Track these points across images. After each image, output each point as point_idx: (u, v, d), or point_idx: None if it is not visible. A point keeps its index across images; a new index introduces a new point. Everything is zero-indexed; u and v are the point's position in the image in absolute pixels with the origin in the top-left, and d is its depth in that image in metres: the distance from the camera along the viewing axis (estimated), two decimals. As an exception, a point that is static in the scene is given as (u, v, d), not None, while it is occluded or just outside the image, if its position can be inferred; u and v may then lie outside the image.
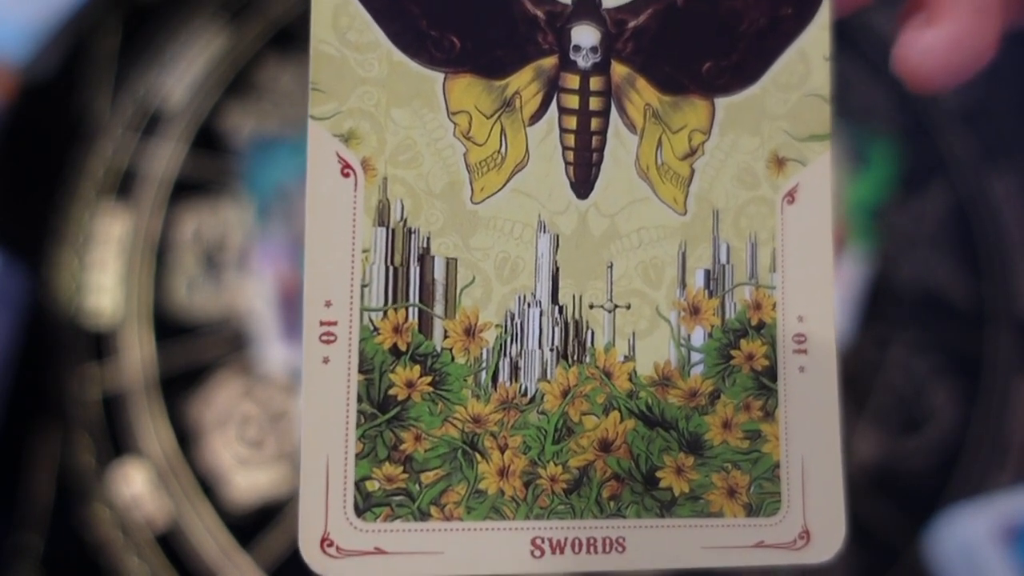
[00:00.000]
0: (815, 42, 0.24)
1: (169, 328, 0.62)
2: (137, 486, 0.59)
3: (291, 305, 0.62)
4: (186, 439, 0.60)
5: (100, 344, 0.62)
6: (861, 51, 0.68)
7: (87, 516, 0.58)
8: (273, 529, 0.58)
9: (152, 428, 0.60)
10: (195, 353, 0.62)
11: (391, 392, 0.22)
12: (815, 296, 0.24)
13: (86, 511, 0.58)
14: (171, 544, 0.58)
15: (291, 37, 0.68)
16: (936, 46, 0.23)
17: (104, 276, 0.63)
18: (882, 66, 0.70)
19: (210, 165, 0.65)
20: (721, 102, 0.24)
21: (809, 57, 0.24)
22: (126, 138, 0.66)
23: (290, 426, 0.60)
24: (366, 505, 0.22)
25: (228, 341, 0.62)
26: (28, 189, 0.65)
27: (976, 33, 0.23)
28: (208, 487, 0.59)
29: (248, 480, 0.59)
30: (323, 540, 0.22)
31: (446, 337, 0.22)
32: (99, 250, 0.63)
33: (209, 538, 0.58)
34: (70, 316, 0.62)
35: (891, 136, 0.66)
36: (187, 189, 0.65)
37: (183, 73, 0.67)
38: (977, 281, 0.65)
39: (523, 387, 0.23)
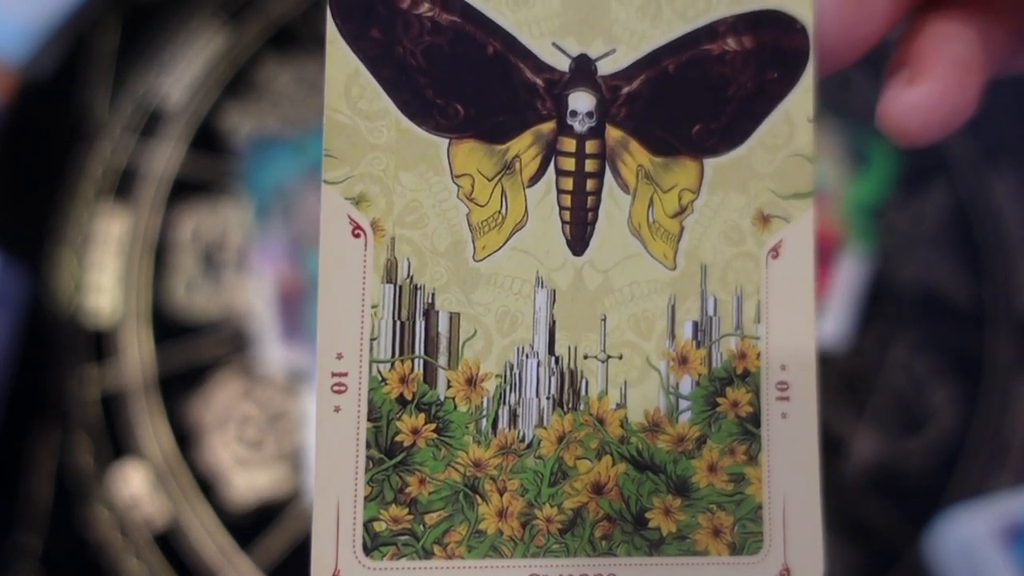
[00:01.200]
0: (799, 104, 0.25)
1: (168, 328, 0.63)
2: (136, 486, 0.59)
3: (290, 305, 0.62)
4: (185, 439, 0.60)
5: (99, 344, 0.62)
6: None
7: (86, 516, 0.58)
8: (272, 530, 0.59)
9: (151, 428, 0.60)
10: (194, 353, 0.62)
11: (398, 439, 0.23)
12: (797, 346, 0.25)
13: (85, 511, 0.58)
14: (170, 544, 0.58)
15: (290, 37, 0.68)
16: (919, 104, 0.24)
17: (103, 276, 0.63)
18: (882, 67, 0.70)
19: (209, 165, 0.65)
20: (710, 162, 0.25)
21: (793, 119, 0.25)
22: (125, 138, 0.66)
23: (289, 427, 0.61)
24: (374, 544, 0.23)
25: (227, 341, 0.62)
26: (27, 189, 0.65)
27: (958, 90, 0.24)
28: (207, 488, 0.59)
29: (247, 481, 0.60)
30: None
31: (449, 387, 0.24)
32: (98, 250, 0.63)
33: (208, 539, 0.58)
34: (69, 316, 0.62)
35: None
36: (186, 189, 0.65)
37: (182, 73, 0.67)
38: (977, 281, 0.65)
39: (521, 433, 0.24)
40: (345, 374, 0.23)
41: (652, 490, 0.24)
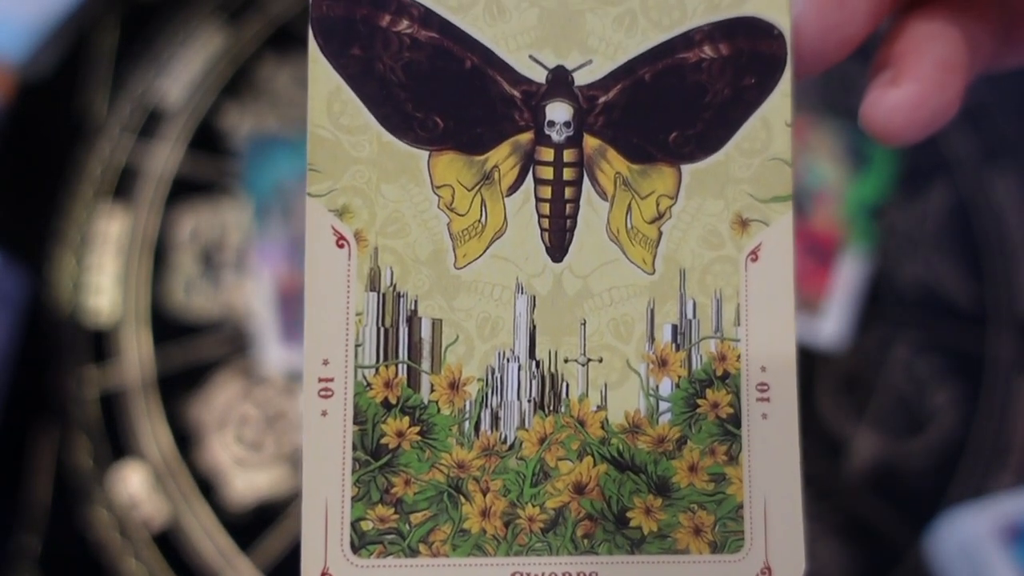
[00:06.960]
0: (777, 109, 0.25)
1: (167, 328, 0.63)
2: (135, 487, 0.59)
3: (289, 305, 0.62)
4: (184, 440, 0.60)
5: (99, 344, 0.62)
6: (862, 51, 0.67)
7: (85, 517, 0.58)
8: (271, 530, 0.59)
9: (150, 429, 0.60)
10: (193, 354, 0.62)
11: (383, 441, 0.24)
12: (777, 347, 0.25)
13: (84, 512, 0.58)
14: (169, 545, 0.58)
15: (289, 36, 0.68)
16: (901, 104, 0.24)
17: (102, 276, 0.63)
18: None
19: (208, 165, 0.65)
20: (687, 168, 0.25)
21: (771, 124, 0.25)
22: (124, 137, 0.66)
23: (288, 427, 0.61)
24: (361, 543, 0.24)
25: (226, 342, 0.62)
26: (26, 189, 0.65)
27: (940, 90, 0.24)
28: (207, 488, 0.59)
29: (246, 481, 0.60)
30: (323, 575, 0.24)
31: (432, 391, 0.24)
32: (97, 250, 0.63)
33: (207, 539, 0.58)
34: (68, 316, 0.62)
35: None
36: (185, 189, 0.65)
37: (181, 72, 0.67)
38: (979, 281, 0.65)
39: (503, 435, 0.25)
40: (331, 379, 0.24)
41: (633, 490, 0.25)
